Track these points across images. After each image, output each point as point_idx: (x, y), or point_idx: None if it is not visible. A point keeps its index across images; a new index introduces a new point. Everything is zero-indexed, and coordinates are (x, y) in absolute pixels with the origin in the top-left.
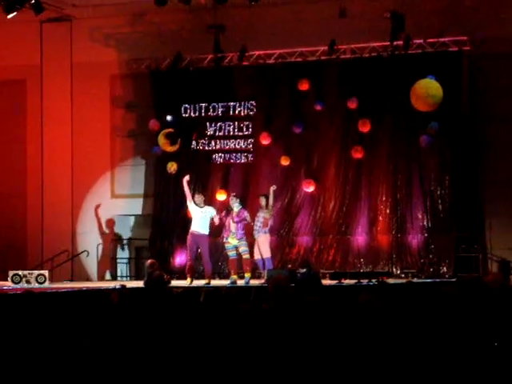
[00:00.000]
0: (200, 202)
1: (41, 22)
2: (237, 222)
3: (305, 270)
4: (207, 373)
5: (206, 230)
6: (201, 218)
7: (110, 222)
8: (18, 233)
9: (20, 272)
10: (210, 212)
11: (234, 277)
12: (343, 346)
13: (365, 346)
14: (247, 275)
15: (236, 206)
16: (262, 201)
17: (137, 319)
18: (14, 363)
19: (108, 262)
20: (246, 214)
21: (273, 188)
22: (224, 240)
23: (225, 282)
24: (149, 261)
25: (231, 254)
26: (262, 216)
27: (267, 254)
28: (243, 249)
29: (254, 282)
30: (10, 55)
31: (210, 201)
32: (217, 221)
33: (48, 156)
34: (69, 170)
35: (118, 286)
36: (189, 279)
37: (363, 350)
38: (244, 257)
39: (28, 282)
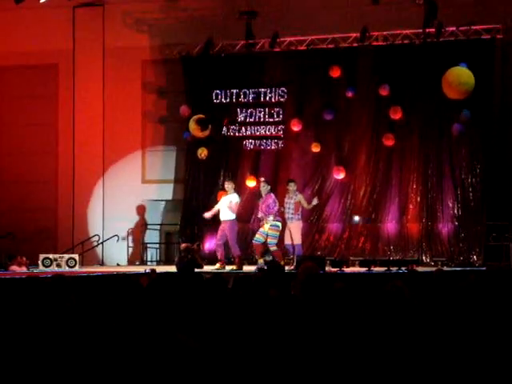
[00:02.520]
0: (229, 189)
1: (73, 6)
2: (265, 207)
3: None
4: (234, 356)
5: (230, 216)
6: (225, 204)
7: (141, 207)
8: (50, 217)
9: (51, 255)
10: (232, 198)
11: (261, 261)
12: (372, 333)
13: (393, 333)
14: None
15: (264, 191)
16: (290, 186)
17: (166, 304)
18: (44, 345)
19: (138, 247)
20: (271, 201)
21: (315, 202)
22: (260, 223)
23: (254, 268)
24: (183, 244)
25: (256, 237)
26: (292, 202)
27: (298, 240)
28: (270, 241)
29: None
30: (42, 40)
31: (239, 187)
32: (233, 208)
33: (79, 140)
34: (100, 155)
35: (147, 271)
36: (218, 264)
37: (392, 338)
38: (271, 249)
39: (59, 265)
